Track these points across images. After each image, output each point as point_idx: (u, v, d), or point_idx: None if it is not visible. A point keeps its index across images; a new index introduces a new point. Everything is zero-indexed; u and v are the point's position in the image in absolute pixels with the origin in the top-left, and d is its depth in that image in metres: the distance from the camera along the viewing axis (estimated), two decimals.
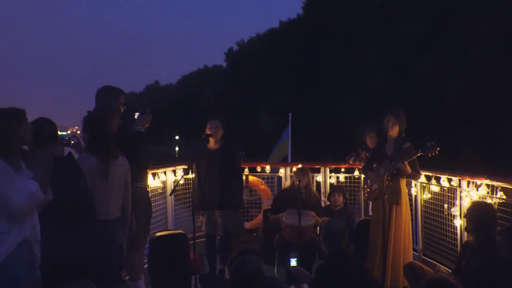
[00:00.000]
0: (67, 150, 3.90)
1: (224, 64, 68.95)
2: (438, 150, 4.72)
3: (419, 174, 5.30)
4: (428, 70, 28.75)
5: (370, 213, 5.93)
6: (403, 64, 30.90)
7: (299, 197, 5.65)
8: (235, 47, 64.22)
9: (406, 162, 4.89)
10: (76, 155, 3.95)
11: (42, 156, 3.18)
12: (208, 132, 5.74)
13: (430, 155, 4.75)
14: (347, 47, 36.51)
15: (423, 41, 30.20)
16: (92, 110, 4.43)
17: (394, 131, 5.18)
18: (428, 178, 5.93)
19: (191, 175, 5.49)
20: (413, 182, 6.13)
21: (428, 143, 4.77)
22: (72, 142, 4.12)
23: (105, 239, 3.86)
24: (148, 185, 5.47)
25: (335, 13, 39.05)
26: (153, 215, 5.38)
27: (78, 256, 3.38)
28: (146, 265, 5.49)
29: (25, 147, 3.33)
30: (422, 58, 29.81)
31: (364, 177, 5.64)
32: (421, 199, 6.15)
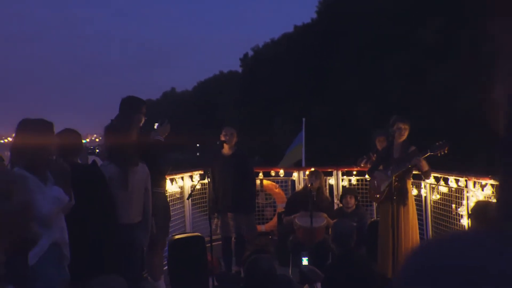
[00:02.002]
0: (91, 158, 4.18)
1: (240, 70, 69.33)
2: (447, 149, 4.89)
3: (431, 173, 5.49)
4: (444, 77, 28.65)
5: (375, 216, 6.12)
6: (419, 71, 30.80)
7: (311, 199, 5.86)
8: (250, 53, 64.54)
9: (422, 159, 5.04)
10: (99, 162, 4.22)
11: (59, 165, 3.42)
12: (222, 138, 6.01)
13: (439, 154, 4.91)
14: (363, 53, 36.49)
15: (439, 48, 30.09)
16: (114, 119, 4.71)
17: (404, 137, 5.37)
18: (437, 179, 6.11)
19: (207, 180, 5.75)
20: (423, 184, 6.31)
21: (437, 143, 4.95)
22: (97, 150, 4.40)
23: (126, 241, 4.12)
24: (166, 190, 5.73)
25: (349, 17, 39.07)
26: (171, 218, 5.65)
27: (102, 257, 3.65)
28: (166, 267, 5.73)
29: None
30: (438, 65, 29.69)
31: (371, 180, 5.83)
32: (430, 200, 6.32)
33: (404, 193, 5.22)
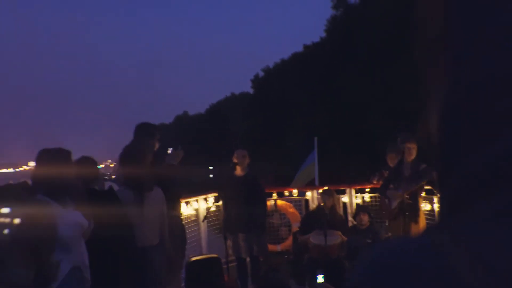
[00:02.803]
0: (107, 184, 4.31)
1: (251, 91, 69.83)
2: None
3: None
4: None
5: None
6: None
7: (324, 217, 5.93)
8: (261, 73, 65.06)
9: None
10: (116, 188, 4.35)
11: (78, 191, 3.56)
12: (235, 160, 6.13)
13: None
14: (372, 67, 36.63)
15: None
16: (128, 144, 4.85)
17: (413, 156, 5.45)
18: None
19: (221, 202, 5.88)
20: (435, 198, 6.34)
21: None
22: (113, 176, 4.53)
23: (145, 264, 4.22)
24: (181, 213, 5.84)
25: (358, 34, 39.32)
26: (187, 241, 5.75)
27: (121, 279, 3.75)
28: None
29: None
30: None
31: (382, 198, 5.88)
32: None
33: (416, 210, 5.28)
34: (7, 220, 1.12)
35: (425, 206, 5.59)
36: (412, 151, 5.38)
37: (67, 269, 3.40)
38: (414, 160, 5.42)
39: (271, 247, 7.47)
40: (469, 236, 0.45)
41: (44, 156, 3.47)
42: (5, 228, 1.12)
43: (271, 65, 63.22)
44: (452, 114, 0.50)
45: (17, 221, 1.14)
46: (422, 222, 5.36)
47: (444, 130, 0.51)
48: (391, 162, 6.98)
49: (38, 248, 1.13)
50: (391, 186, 5.56)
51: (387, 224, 6.46)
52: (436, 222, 0.54)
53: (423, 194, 5.90)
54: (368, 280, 0.51)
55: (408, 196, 5.21)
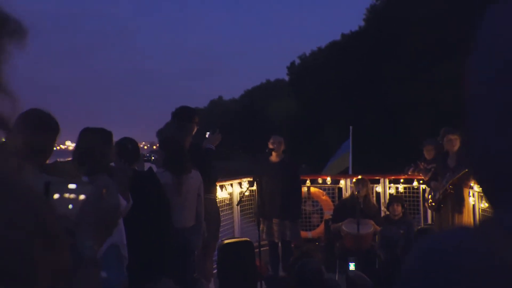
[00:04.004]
0: (147, 165, 4.44)
1: (286, 78, 69.53)
2: None
3: None
4: None
5: (429, 221, 6.12)
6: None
7: (358, 206, 5.96)
8: (297, 61, 64.63)
9: None
10: (155, 169, 4.47)
11: (120, 171, 3.67)
12: (271, 146, 6.18)
13: None
14: (415, 60, 35.90)
15: None
16: (166, 128, 4.96)
17: (456, 147, 5.42)
18: None
19: (255, 187, 5.94)
20: (471, 192, 6.28)
21: None
22: (153, 158, 4.66)
23: (181, 244, 4.34)
24: (217, 196, 5.95)
25: (398, 23, 38.57)
26: (221, 224, 5.86)
27: (158, 259, 3.87)
28: (215, 270, 5.93)
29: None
30: None
31: (425, 188, 5.86)
32: (479, 208, 6.27)
33: (460, 200, 5.25)
34: (72, 195, 1.21)
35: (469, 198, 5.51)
36: (454, 142, 5.36)
37: (106, 246, 3.51)
38: (459, 152, 5.39)
39: (302, 233, 7.51)
40: None
41: (88, 136, 3.54)
42: (69, 204, 1.20)
43: (307, 52, 62.79)
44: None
45: (82, 197, 1.22)
46: (467, 213, 5.33)
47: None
48: (428, 154, 6.92)
49: (105, 223, 1.21)
50: (439, 178, 5.56)
51: (430, 215, 6.44)
52: (486, 216, 0.59)
53: (476, 187, 5.85)
54: (422, 266, 0.56)
55: (451, 187, 5.19)
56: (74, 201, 1.17)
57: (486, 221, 0.59)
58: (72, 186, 1.20)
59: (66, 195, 1.18)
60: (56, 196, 1.18)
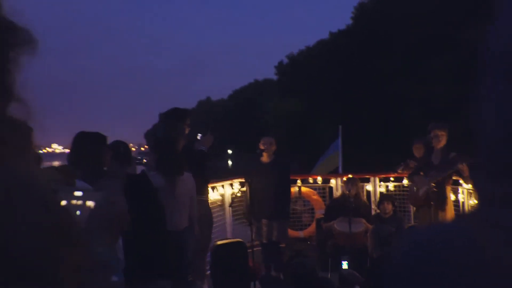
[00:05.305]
0: (139, 168, 4.45)
1: (275, 78, 69.54)
2: None
3: None
4: None
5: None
6: (466, 72, 30.00)
7: (349, 205, 6.01)
8: (285, 60, 64.66)
9: (464, 164, 5.10)
10: (147, 172, 4.47)
11: (113, 175, 3.67)
12: (261, 147, 6.21)
13: None
14: (405, 57, 35.98)
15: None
16: (152, 127, 4.95)
17: (442, 143, 5.46)
18: None
19: (246, 188, 5.97)
20: (460, 189, 6.36)
21: None
22: (144, 160, 4.67)
23: (174, 246, 4.35)
24: (208, 198, 5.96)
25: (387, 20, 38.68)
26: (213, 225, 5.87)
27: (154, 261, 3.89)
28: (208, 271, 5.95)
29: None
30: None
31: (410, 185, 5.91)
32: (468, 205, 6.36)
33: (443, 198, 5.30)
34: (79, 202, 1.23)
35: (451, 196, 5.58)
36: (441, 138, 5.38)
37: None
38: (443, 148, 5.42)
39: (294, 233, 7.57)
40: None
41: (83, 140, 3.54)
42: (77, 210, 1.23)
43: (295, 52, 62.85)
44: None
45: (89, 203, 1.24)
46: (450, 211, 5.38)
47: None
48: (417, 152, 6.98)
49: (114, 228, 1.24)
50: (421, 173, 5.59)
51: (413, 212, 6.49)
52: (473, 210, 0.60)
53: (466, 184, 5.89)
54: (411, 258, 0.59)
55: (434, 185, 5.24)
56: (82, 207, 1.20)
57: (472, 215, 0.61)
58: (78, 193, 1.23)
59: (73, 201, 1.21)
60: (63, 203, 1.21)
